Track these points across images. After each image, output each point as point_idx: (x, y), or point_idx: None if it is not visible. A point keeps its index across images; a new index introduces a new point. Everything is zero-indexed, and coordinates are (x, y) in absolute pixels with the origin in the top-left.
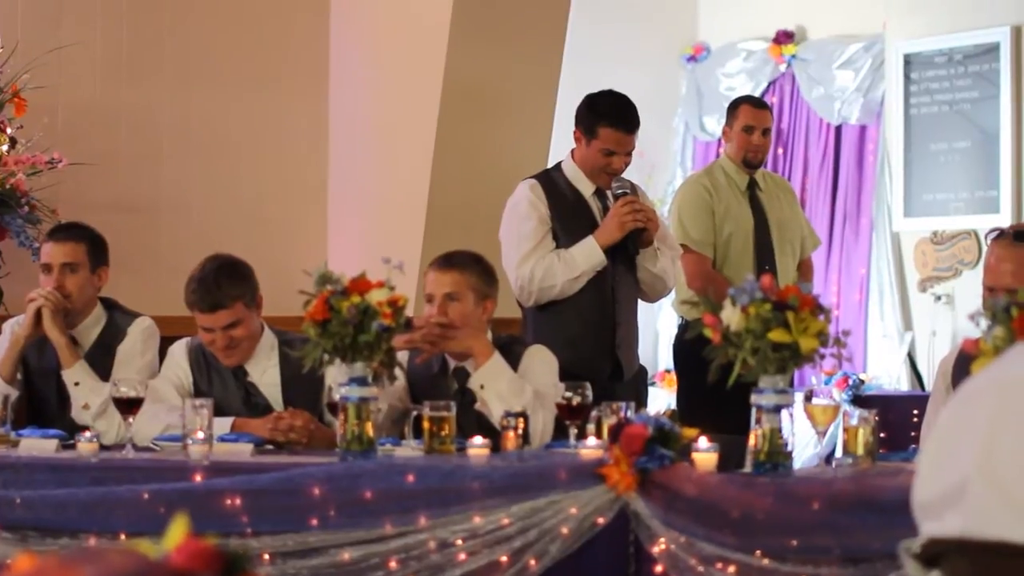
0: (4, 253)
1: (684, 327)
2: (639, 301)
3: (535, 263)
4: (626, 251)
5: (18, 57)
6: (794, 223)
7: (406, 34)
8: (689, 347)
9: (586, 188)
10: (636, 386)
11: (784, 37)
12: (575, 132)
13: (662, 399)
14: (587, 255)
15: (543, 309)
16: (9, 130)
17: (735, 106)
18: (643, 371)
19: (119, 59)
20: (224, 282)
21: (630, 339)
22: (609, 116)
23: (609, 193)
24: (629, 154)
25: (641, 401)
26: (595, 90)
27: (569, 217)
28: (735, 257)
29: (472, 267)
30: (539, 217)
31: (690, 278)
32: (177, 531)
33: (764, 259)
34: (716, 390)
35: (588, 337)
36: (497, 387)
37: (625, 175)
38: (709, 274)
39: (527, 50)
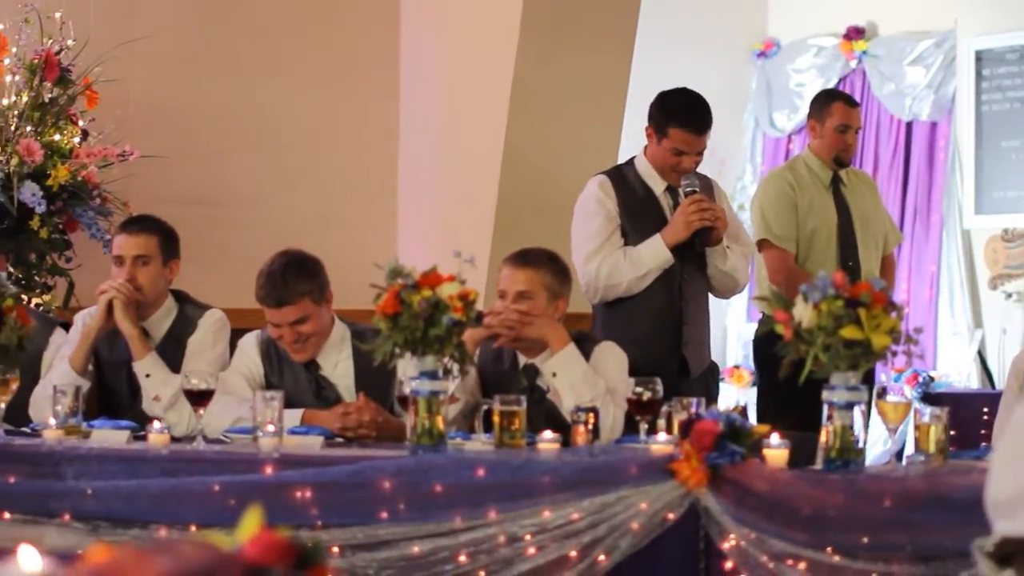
0: (76, 245)
1: (765, 322)
2: (709, 297)
3: (601, 260)
4: (695, 249)
5: (90, 50)
6: (877, 218)
7: (476, 30)
8: (767, 343)
9: (657, 185)
10: (706, 382)
11: (855, 33)
12: (647, 128)
13: (732, 395)
14: (654, 253)
15: (611, 306)
16: (81, 123)
17: (826, 103)
18: (714, 367)
19: (190, 52)
20: (291, 278)
21: (698, 338)
22: (679, 117)
23: (680, 190)
24: (700, 153)
25: (712, 397)
26: (665, 87)
27: (639, 213)
28: (818, 252)
29: (546, 265)
30: (606, 214)
31: (772, 273)
32: (251, 523)
33: (848, 254)
34: (792, 386)
35: (655, 335)
36: (570, 376)
37: (698, 181)
38: (792, 270)
39: (597, 46)
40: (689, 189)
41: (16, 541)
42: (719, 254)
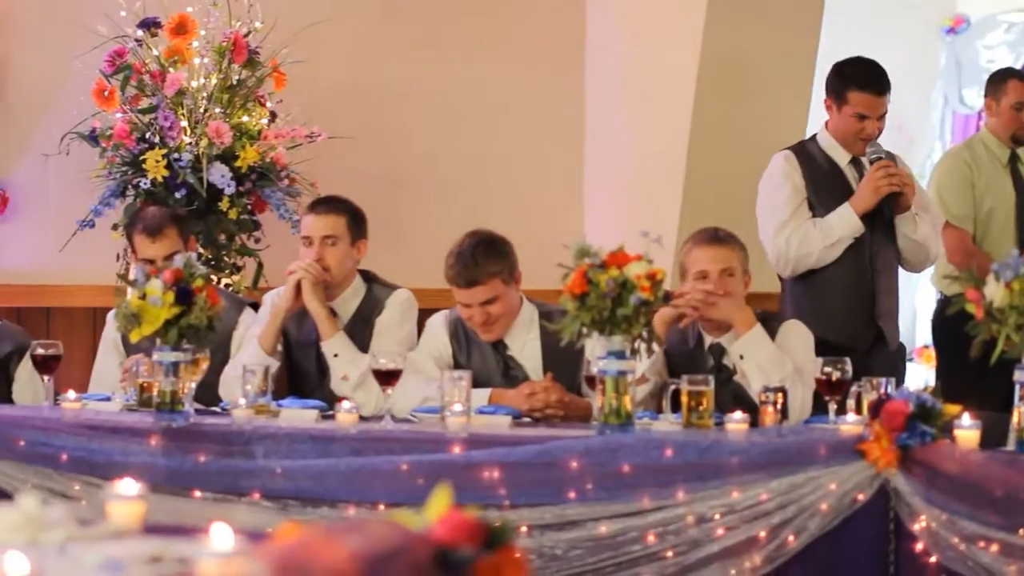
0: (264, 226)
1: (944, 302)
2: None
3: (791, 232)
4: (885, 219)
5: (277, 32)
6: None
7: (663, 6)
8: (950, 323)
9: (841, 157)
10: (894, 362)
11: None
12: (826, 101)
13: (921, 375)
14: (843, 222)
15: (802, 280)
16: (269, 104)
17: (1002, 81)
18: (901, 347)
19: (376, 33)
20: (482, 259)
21: (892, 309)
22: (858, 80)
23: (864, 161)
24: (882, 118)
25: (899, 378)
26: None
27: (824, 187)
28: (996, 232)
29: (736, 242)
30: (793, 186)
31: (950, 253)
32: (440, 503)
33: None
34: (978, 366)
35: (848, 307)
36: (757, 358)
37: (884, 149)
38: (970, 249)
39: (785, 22)
40: (875, 156)
41: (207, 519)
42: (908, 221)
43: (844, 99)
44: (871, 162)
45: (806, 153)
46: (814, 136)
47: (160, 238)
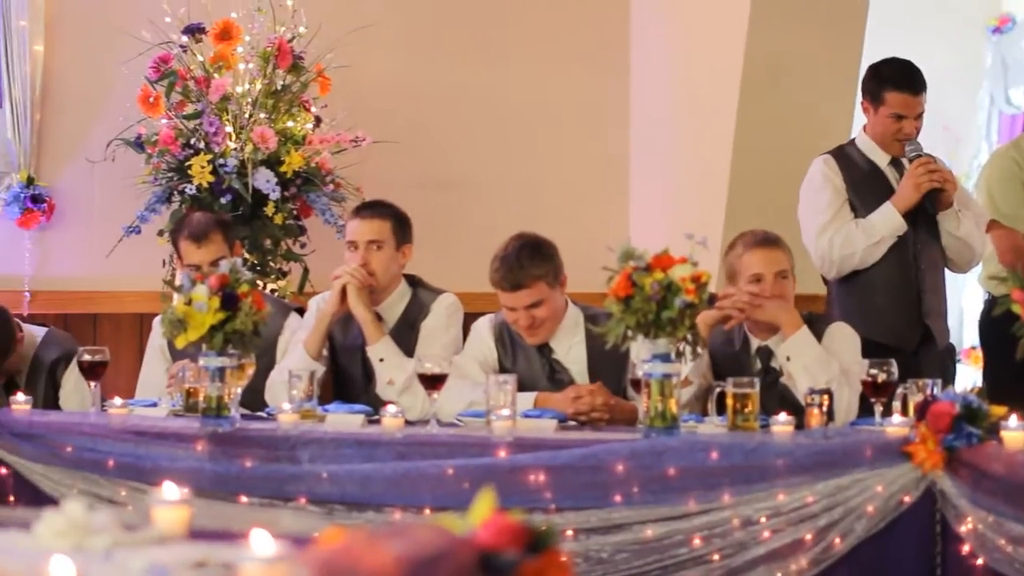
0: (310, 231)
1: (991, 303)
2: (945, 274)
3: (833, 232)
4: (928, 218)
5: (321, 37)
6: None
7: (707, 8)
8: (997, 324)
9: (881, 159)
10: (944, 363)
11: None
12: (863, 103)
13: (968, 376)
14: (886, 220)
15: (847, 281)
16: (313, 109)
17: None
18: (951, 347)
19: (421, 37)
20: (527, 262)
21: (939, 307)
22: (893, 80)
23: (904, 161)
24: (919, 117)
25: (948, 378)
26: None
27: (866, 188)
28: None
29: (784, 244)
30: (834, 188)
31: (1001, 253)
32: (483, 507)
33: None
34: (1021, 367)
35: (894, 307)
36: (804, 359)
37: (930, 150)
38: (1021, 248)
39: (829, 23)
40: (914, 154)
41: (253, 524)
42: (951, 218)
43: (881, 100)
44: (910, 160)
45: (845, 157)
46: (852, 140)
47: (206, 244)
